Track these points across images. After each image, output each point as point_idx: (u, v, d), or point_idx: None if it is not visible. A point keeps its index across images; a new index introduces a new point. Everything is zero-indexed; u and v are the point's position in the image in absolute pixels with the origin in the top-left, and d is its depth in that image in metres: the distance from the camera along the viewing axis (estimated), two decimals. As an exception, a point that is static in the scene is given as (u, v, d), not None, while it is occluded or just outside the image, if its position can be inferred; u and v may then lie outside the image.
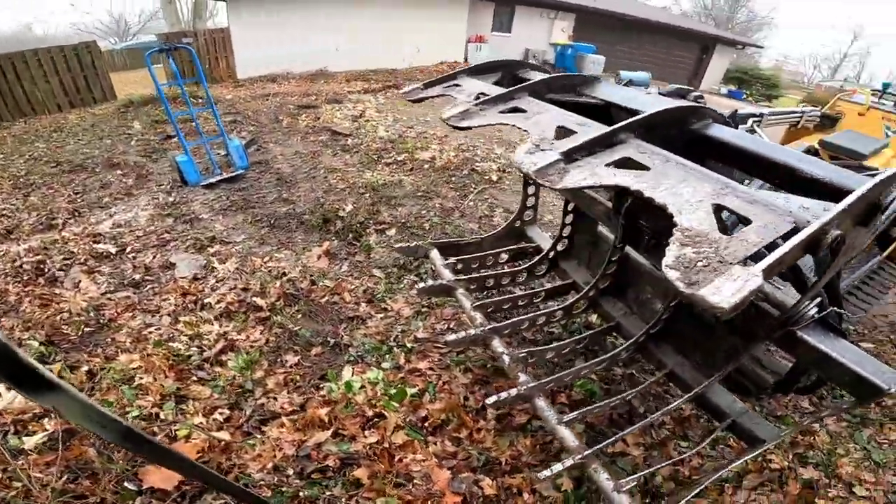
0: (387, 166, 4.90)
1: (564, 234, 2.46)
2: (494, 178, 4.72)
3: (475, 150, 5.45)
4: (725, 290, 0.81)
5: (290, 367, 2.31)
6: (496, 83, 1.94)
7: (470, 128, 1.55)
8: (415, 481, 1.77)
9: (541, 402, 1.63)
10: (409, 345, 2.48)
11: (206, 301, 2.70)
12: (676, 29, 17.09)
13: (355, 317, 2.68)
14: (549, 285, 2.47)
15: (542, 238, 2.73)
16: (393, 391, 2.15)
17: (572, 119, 1.49)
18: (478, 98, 1.62)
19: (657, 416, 1.71)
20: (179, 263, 3.09)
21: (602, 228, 2.35)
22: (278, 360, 2.35)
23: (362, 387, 2.17)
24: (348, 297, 2.82)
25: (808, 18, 59.46)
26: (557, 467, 1.41)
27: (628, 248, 2.09)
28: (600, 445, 1.52)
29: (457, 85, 1.81)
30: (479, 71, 1.95)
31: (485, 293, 2.60)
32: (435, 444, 1.94)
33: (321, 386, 2.19)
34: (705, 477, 1.58)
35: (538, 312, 2.15)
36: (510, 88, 1.64)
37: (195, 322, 2.54)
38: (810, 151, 2.94)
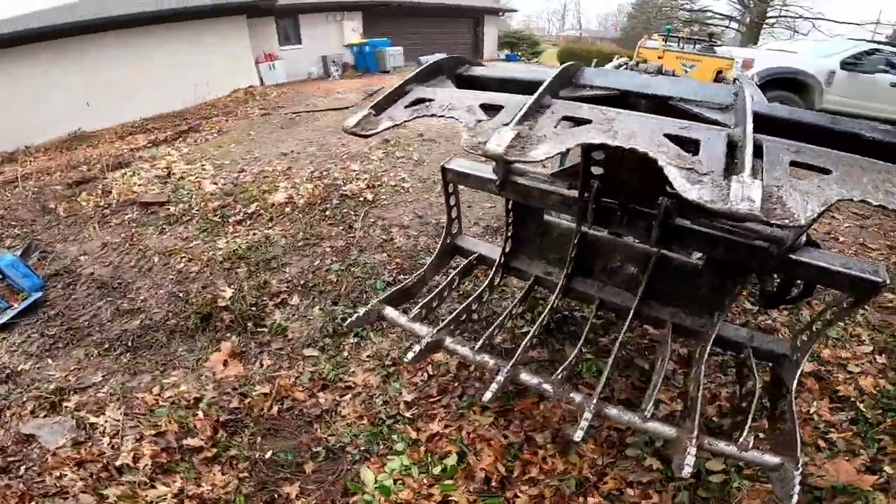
0: (239, 225, 4.19)
1: (510, 235, 2.41)
2: (370, 196, 4.43)
3: (331, 174, 5.04)
4: (755, 197, 0.92)
5: (296, 498, 1.79)
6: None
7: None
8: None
9: (451, 343, 1.79)
10: (406, 414, 2.16)
11: (120, 463, 1.94)
12: (449, 8, 18.59)
13: (322, 412, 2.22)
14: (518, 293, 2.42)
15: (478, 245, 2.64)
16: (438, 470, 1.86)
17: (484, 96, 1.48)
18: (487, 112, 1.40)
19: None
20: (39, 432, 2.17)
21: (549, 217, 2.36)
22: (274, 498, 1.80)
23: (398, 481, 1.80)
24: (298, 393, 2.31)
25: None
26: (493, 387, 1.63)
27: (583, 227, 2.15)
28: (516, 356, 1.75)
29: (427, 99, 1.54)
30: (423, 78, 1.72)
31: (464, 327, 2.43)
32: (517, 496, 1.81)
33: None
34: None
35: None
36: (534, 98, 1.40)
37: (132, 492, 1.79)
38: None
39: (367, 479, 1.89)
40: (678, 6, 24.43)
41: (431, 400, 2.28)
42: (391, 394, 2.30)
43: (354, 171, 5.11)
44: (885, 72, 7.22)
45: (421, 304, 2.18)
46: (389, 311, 2.11)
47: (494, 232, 3.90)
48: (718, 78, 3.92)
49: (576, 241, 2.21)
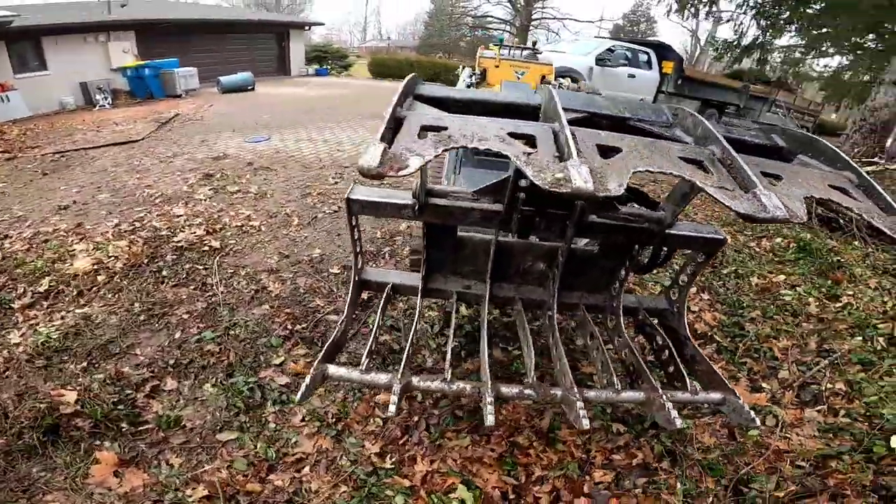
0: (31, 309, 3.10)
1: (425, 258, 2.34)
2: (215, 244, 3.79)
3: (148, 223, 4.14)
4: (588, 177, 1.11)
5: None
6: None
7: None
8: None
9: (420, 381, 1.83)
10: (385, 465, 2.02)
11: None
12: (250, 23, 17.30)
13: (291, 495, 1.88)
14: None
15: (387, 275, 2.52)
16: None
17: (508, 123, 1.45)
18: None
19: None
20: None
21: (463, 233, 2.37)
22: None
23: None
24: (250, 485, 1.82)
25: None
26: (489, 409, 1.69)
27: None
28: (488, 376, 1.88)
29: (438, 127, 1.37)
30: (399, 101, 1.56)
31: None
32: (537, 498, 1.94)
33: None
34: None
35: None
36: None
37: None
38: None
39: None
40: (465, 13, 27.78)
41: (401, 442, 2.16)
42: (354, 451, 2.06)
43: (180, 216, 4.31)
44: (625, 65, 9.34)
45: (366, 353, 1.93)
46: (335, 370, 1.87)
47: (374, 256, 3.75)
48: (544, 81, 4.50)
49: (493, 250, 2.28)
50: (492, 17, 25.24)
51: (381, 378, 1.86)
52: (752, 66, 11.13)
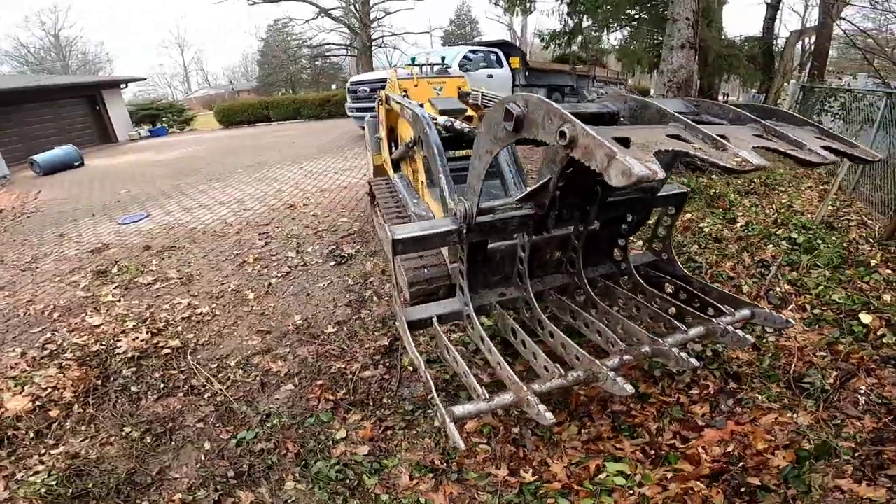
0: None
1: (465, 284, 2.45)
2: (175, 343, 3.24)
3: (64, 341, 3.33)
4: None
5: None
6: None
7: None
8: None
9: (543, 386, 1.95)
10: (526, 480, 2.05)
11: None
12: (48, 89, 14.29)
13: None
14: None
15: (426, 309, 2.49)
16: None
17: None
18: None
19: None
20: None
21: (493, 244, 2.44)
22: None
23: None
24: None
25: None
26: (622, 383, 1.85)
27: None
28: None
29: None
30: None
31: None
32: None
33: None
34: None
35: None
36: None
37: None
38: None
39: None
40: (301, 45, 27.09)
41: (521, 455, 2.20)
42: (485, 483, 2.06)
43: (101, 325, 3.56)
44: (484, 67, 10.16)
45: (474, 385, 1.89)
46: (461, 409, 1.85)
47: (361, 303, 3.56)
48: (461, 94, 4.70)
49: (526, 253, 2.43)
50: (331, 44, 25.07)
51: (506, 398, 1.89)
52: (571, 50, 12.95)
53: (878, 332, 3.03)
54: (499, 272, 2.66)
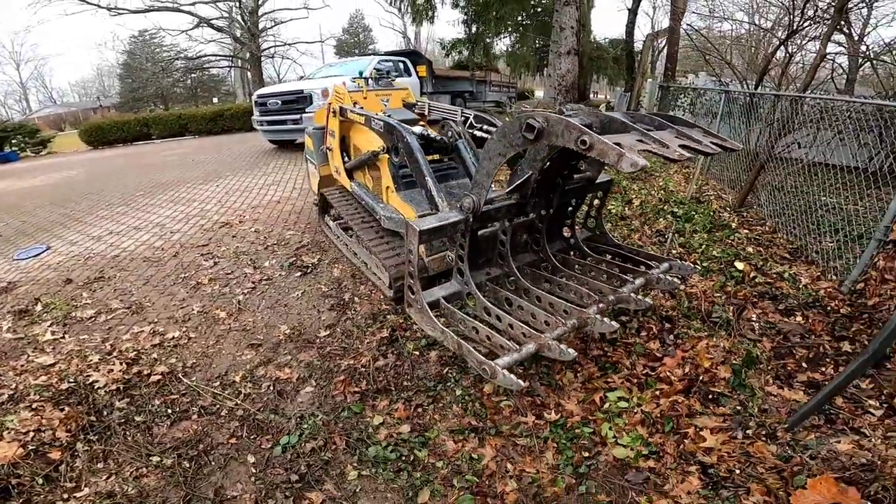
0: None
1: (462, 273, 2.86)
2: (162, 368, 3.10)
3: (25, 387, 3.00)
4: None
5: None
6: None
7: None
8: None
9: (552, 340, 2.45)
10: (552, 418, 2.49)
11: None
12: None
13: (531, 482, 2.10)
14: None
15: (431, 294, 2.82)
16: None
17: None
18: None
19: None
20: None
21: (481, 231, 2.91)
22: None
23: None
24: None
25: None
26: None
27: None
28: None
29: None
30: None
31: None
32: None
33: None
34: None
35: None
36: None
37: None
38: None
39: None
40: (174, 58, 24.35)
41: (538, 402, 2.66)
42: (520, 430, 2.48)
43: (51, 365, 3.26)
44: (396, 76, 10.51)
45: (496, 349, 2.36)
46: (503, 361, 2.27)
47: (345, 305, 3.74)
48: (407, 104, 5.01)
49: (507, 236, 2.99)
50: (212, 56, 22.94)
51: (531, 347, 2.38)
52: (469, 57, 13.91)
53: (752, 275, 4.05)
54: (483, 255, 3.09)
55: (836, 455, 2.22)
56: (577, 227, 3.59)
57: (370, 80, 4.87)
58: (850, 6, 5.71)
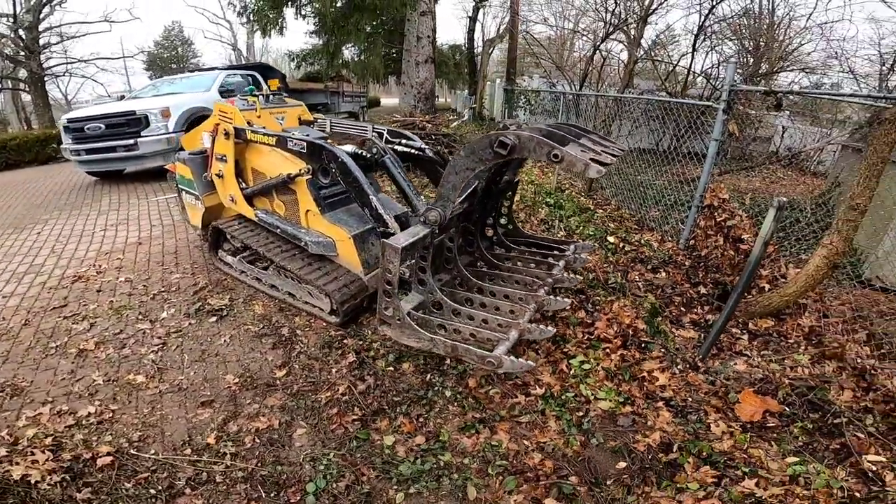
0: None
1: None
2: (108, 449, 2.58)
3: None
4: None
5: None
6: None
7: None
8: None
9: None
10: (538, 393, 2.78)
11: None
12: None
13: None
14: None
15: (413, 300, 2.93)
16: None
17: None
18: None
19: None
20: None
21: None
22: None
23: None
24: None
25: None
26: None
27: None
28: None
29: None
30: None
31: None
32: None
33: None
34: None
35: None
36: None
37: None
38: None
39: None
40: None
41: (512, 383, 3.00)
42: (519, 409, 2.84)
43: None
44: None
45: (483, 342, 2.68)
46: (501, 349, 2.52)
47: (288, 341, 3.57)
48: (304, 121, 4.80)
49: (455, 242, 3.36)
50: None
51: (514, 334, 2.70)
52: (326, 68, 13.46)
53: (621, 246, 5.06)
54: (434, 263, 3.29)
55: (739, 374, 3.07)
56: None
57: (261, 97, 4.55)
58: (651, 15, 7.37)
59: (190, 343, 3.58)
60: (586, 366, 3.06)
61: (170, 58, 35.81)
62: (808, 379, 3.02)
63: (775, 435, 2.62)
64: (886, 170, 6.09)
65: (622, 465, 2.46)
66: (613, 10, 7.42)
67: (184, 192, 4.91)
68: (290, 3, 10.06)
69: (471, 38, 14.75)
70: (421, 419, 2.77)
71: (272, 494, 2.29)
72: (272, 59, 40.89)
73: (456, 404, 2.87)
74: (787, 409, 2.78)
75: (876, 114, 3.14)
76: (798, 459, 2.41)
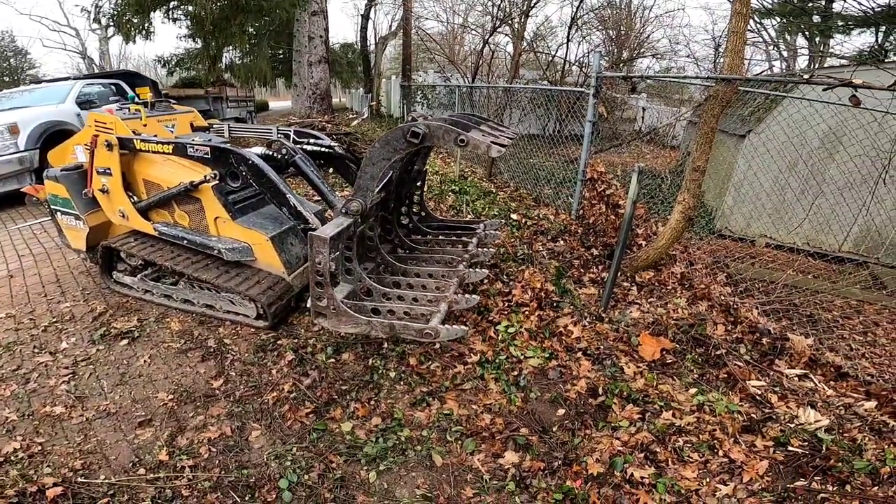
0: None
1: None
2: (52, 480, 2.39)
3: None
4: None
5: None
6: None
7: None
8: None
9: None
10: (475, 359, 3.07)
11: None
12: None
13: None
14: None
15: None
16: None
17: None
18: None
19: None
20: None
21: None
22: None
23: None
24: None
25: None
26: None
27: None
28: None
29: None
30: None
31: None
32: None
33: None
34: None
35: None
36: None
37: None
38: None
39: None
40: None
41: (453, 356, 3.37)
42: (462, 377, 3.16)
43: None
44: (116, 101, 8.84)
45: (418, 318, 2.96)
46: (442, 326, 2.79)
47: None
48: (198, 128, 4.56)
49: (376, 231, 3.59)
50: None
51: (443, 307, 3.00)
52: (206, 73, 12.36)
53: (523, 221, 5.62)
54: (358, 251, 3.44)
55: (636, 321, 3.65)
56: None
57: (147, 104, 4.25)
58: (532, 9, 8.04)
59: (104, 369, 3.34)
60: (511, 329, 3.47)
61: (4, 67, 30.75)
62: (688, 318, 3.71)
63: (674, 370, 3.21)
64: (722, 139, 7.46)
65: (561, 412, 2.89)
66: (499, 5, 8.03)
67: (59, 214, 4.43)
68: (158, 6, 9.15)
69: (364, 37, 14.65)
70: (372, 402, 2.95)
71: (246, 497, 2.34)
72: (133, 66, 37.00)
73: (402, 383, 3.09)
74: (678, 346, 3.39)
75: (709, 93, 3.92)
76: (697, 390, 2.99)
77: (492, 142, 2.58)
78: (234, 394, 3.04)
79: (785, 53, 17.30)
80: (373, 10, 14.08)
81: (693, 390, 2.96)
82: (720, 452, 2.50)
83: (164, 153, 3.73)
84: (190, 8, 9.12)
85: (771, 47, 18.15)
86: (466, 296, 3.06)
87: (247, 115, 14.59)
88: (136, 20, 9.04)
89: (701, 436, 2.59)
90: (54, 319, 3.96)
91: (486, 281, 4.20)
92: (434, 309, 2.96)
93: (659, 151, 9.89)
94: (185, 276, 3.87)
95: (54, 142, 5.46)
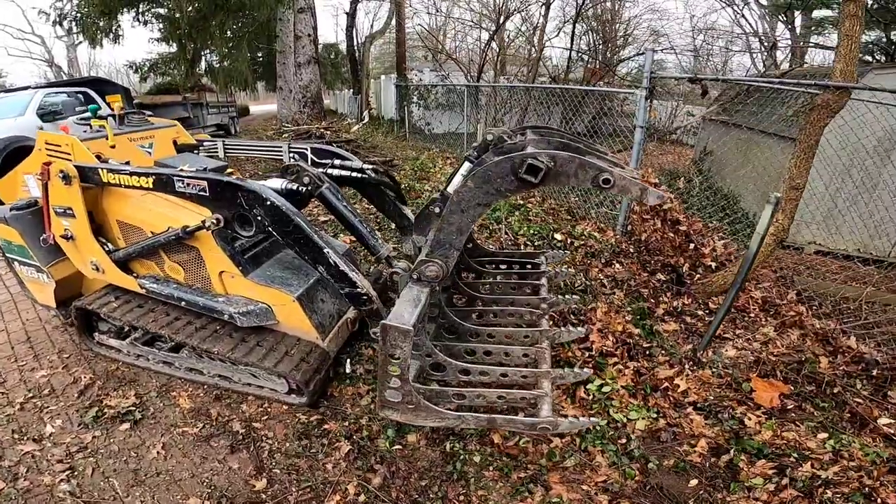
0: None
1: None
2: None
3: None
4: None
5: None
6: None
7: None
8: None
9: None
10: None
11: None
12: None
13: None
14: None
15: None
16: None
17: None
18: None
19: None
20: None
21: None
22: None
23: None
24: None
25: None
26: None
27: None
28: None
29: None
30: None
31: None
32: None
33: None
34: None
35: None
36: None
37: None
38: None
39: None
40: None
41: None
42: None
43: None
44: (84, 112, 7.80)
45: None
46: (544, 411, 2.15)
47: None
48: (183, 146, 3.70)
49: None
50: None
51: (546, 385, 2.35)
52: (184, 78, 11.19)
53: (569, 241, 4.98)
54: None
55: (733, 360, 3.09)
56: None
57: (114, 118, 3.33)
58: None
59: (109, 462, 2.60)
60: (606, 389, 2.85)
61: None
62: (790, 353, 3.18)
63: (795, 415, 2.75)
64: (758, 140, 6.99)
65: (693, 482, 2.43)
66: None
67: (17, 264, 3.51)
68: (126, 8, 8.07)
69: (350, 36, 13.71)
70: (462, 498, 2.31)
71: None
72: (105, 73, 35.06)
73: (491, 468, 2.50)
74: (792, 387, 2.90)
75: (815, 101, 3.36)
76: (827, 435, 2.64)
77: (643, 185, 1.89)
78: (286, 498, 2.32)
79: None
80: (360, 6, 13.26)
81: (822, 435, 2.64)
82: (878, 501, 2.23)
83: (141, 188, 2.84)
84: (162, 11, 8.12)
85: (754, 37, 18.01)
86: (574, 370, 2.39)
87: (229, 121, 13.34)
88: (101, 23, 7.92)
89: (850, 485, 2.30)
90: (30, 394, 3.13)
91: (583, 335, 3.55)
92: (538, 392, 2.28)
93: (674, 149, 9.43)
94: (195, 347, 3.05)
95: (16, 161, 4.41)
